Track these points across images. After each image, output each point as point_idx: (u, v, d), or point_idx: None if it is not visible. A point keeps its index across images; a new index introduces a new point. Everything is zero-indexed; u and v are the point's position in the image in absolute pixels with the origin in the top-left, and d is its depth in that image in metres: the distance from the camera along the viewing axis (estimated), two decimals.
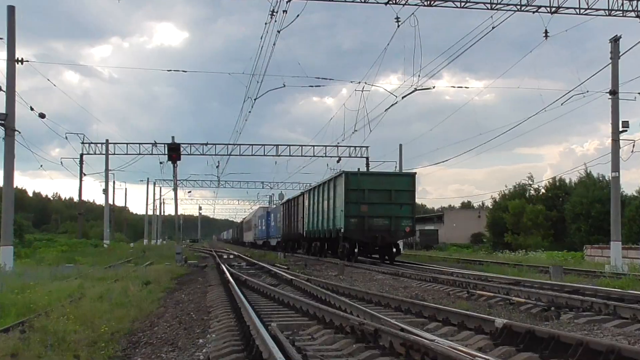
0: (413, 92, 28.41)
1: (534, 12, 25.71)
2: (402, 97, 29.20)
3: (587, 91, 27.47)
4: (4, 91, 24.77)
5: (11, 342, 8.46)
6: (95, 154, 54.95)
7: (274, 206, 69.55)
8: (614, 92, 28.08)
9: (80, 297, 13.93)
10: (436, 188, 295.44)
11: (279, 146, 56.34)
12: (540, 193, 69.58)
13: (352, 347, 8.14)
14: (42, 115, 28.22)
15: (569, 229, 59.51)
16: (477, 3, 25.26)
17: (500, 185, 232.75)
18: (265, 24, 22.18)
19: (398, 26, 23.01)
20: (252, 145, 56.63)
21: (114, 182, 61.99)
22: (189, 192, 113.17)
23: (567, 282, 17.40)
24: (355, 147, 56.05)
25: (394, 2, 24.23)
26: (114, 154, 54.85)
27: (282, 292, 13.86)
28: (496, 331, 8.64)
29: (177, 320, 11.39)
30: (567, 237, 59.20)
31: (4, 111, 24.80)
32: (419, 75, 27.48)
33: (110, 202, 58.13)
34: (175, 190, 38.21)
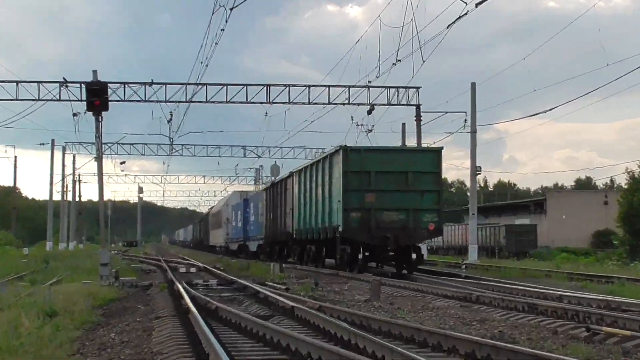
0: None
1: None
2: (476, 5, 22.84)
3: None
4: None
5: None
6: None
7: (256, 192, 54.69)
8: None
9: None
10: (533, 156, 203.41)
11: (271, 87, 40.15)
12: None
13: None
14: None
15: None
16: None
17: None
18: None
19: None
20: (227, 85, 39.92)
21: None
22: (122, 163, 71.10)
23: None
24: (397, 87, 40.05)
25: None
26: None
27: (279, 330, 11.50)
28: None
29: None
30: None
31: None
32: None
33: None
34: (99, 160, 26.11)
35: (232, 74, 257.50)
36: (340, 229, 27.33)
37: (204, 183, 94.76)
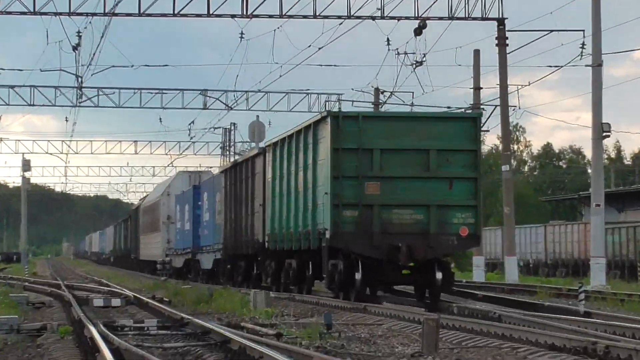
0: None
1: None
2: None
3: None
4: None
5: None
6: None
7: (213, 175, 37.91)
8: None
9: None
10: None
11: None
12: None
13: None
14: None
15: None
16: None
17: None
18: None
19: None
20: None
21: None
22: None
23: None
24: None
25: None
26: None
27: None
28: None
29: None
30: None
31: None
32: None
33: None
34: None
35: None
36: (327, 234, 21.14)
37: (136, 154, 60.96)
